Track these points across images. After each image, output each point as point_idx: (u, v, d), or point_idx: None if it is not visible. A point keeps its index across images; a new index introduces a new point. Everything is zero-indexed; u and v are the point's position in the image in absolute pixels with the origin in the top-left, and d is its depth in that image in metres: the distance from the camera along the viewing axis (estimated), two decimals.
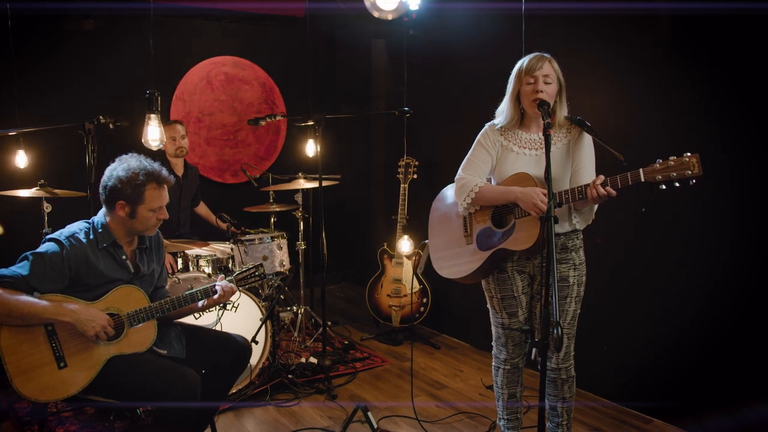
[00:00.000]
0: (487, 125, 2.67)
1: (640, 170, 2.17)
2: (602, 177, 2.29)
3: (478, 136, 2.66)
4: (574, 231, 2.58)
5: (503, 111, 2.62)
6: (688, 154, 2.10)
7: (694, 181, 2.10)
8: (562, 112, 2.54)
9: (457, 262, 2.71)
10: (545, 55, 2.50)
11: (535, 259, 2.59)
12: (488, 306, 2.77)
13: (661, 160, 2.14)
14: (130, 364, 2.39)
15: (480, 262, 2.60)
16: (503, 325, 2.70)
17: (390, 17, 1.73)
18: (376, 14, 1.71)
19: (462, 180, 2.63)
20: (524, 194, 2.41)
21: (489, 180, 2.69)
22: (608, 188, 2.26)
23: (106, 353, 2.38)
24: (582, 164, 2.53)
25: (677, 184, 2.12)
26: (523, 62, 2.51)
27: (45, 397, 2.30)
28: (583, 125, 2.44)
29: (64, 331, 2.33)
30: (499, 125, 2.62)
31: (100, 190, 2.48)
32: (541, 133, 2.56)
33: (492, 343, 2.81)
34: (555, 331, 1.84)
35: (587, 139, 2.55)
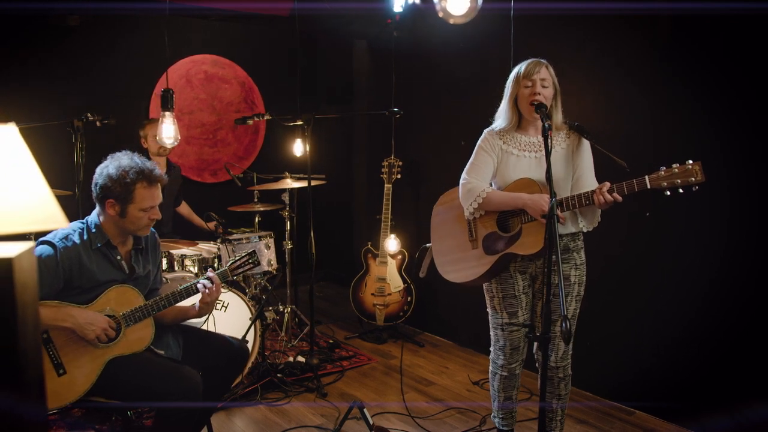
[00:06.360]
0: (485, 131, 2.73)
1: (646, 177, 2.28)
2: (608, 184, 2.38)
3: (479, 141, 2.72)
4: (576, 233, 2.65)
5: (502, 114, 2.68)
6: (690, 161, 2.22)
7: (696, 187, 2.21)
8: (558, 115, 2.61)
9: (463, 266, 2.75)
10: (542, 60, 2.57)
11: (538, 260, 2.66)
12: (488, 308, 2.81)
13: (665, 168, 2.26)
14: (130, 364, 2.37)
15: (487, 266, 2.65)
16: (503, 325, 2.73)
17: (451, 21, 1.75)
18: (440, 15, 1.73)
19: (469, 184, 2.66)
20: (533, 201, 2.48)
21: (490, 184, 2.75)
22: (615, 194, 2.36)
23: (105, 356, 2.35)
24: (584, 171, 2.61)
25: (681, 191, 2.23)
26: (520, 67, 2.58)
27: (47, 406, 2.26)
28: (582, 132, 2.54)
29: (60, 338, 2.29)
30: (498, 129, 2.68)
31: (92, 187, 2.43)
32: (539, 136, 2.64)
33: (490, 348, 2.86)
34: (564, 324, 1.90)
35: (587, 145, 2.63)
